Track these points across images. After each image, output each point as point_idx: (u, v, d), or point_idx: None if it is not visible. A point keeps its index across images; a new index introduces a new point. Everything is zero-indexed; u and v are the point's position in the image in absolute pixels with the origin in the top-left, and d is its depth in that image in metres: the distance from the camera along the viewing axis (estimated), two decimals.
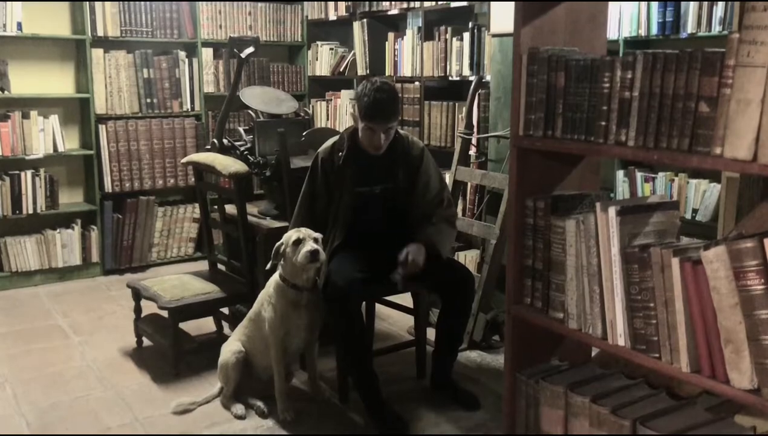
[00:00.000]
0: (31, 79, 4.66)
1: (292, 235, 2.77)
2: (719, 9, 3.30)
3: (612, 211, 1.66)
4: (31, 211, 4.57)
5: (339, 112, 5.48)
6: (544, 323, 1.92)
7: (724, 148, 1.42)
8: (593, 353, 2.21)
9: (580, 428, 1.84)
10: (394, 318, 3.83)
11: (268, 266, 2.85)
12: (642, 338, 1.64)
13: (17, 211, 4.53)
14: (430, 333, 3.22)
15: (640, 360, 1.65)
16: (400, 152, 2.94)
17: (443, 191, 3.01)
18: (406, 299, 3.25)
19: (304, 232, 2.76)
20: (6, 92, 4.46)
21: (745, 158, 1.38)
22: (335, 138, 3.01)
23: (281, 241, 2.80)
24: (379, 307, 3.41)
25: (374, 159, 2.89)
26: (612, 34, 3.66)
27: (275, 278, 2.86)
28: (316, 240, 2.74)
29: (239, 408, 2.89)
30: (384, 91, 2.77)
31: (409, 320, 3.43)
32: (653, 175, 3.62)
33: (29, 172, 4.55)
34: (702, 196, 3.46)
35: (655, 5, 3.49)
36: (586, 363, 2.08)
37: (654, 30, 3.53)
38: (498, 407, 2.81)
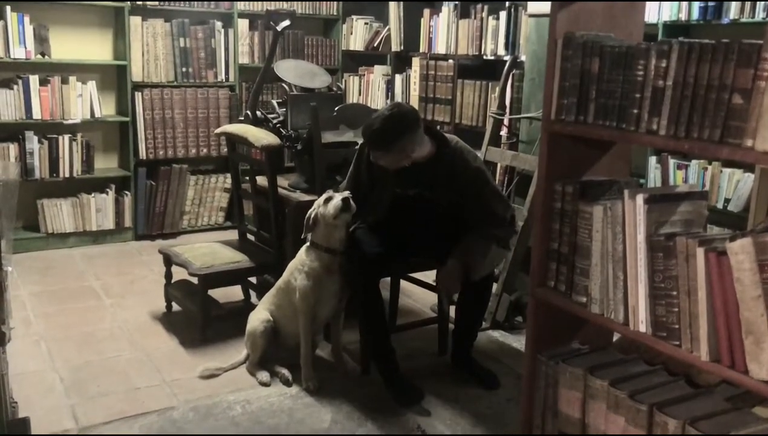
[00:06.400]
0: (70, 45, 4.74)
1: (320, 199, 2.82)
2: None
3: (640, 198, 1.67)
4: (67, 175, 4.68)
5: (372, 88, 5.48)
6: (566, 306, 1.94)
7: (755, 141, 1.42)
8: (614, 338, 2.22)
9: (597, 410, 1.87)
10: (418, 295, 3.87)
11: (303, 235, 2.91)
12: (663, 325, 1.66)
13: (54, 175, 4.64)
14: (453, 310, 3.26)
15: (661, 347, 1.67)
16: (446, 164, 2.80)
17: (489, 207, 2.80)
18: (429, 276, 3.28)
19: (332, 192, 2.82)
20: (46, 57, 4.55)
21: None
22: None
23: (312, 208, 2.85)
24: (403, 283, 3.45)
25: (417, 163, 2.79)
26: (651, 17, 3.61)
27: (306, 246, 2.92)
28: (343, 196, 2.79)
29: (264, 375, 2.96)
30: (380, 120, 2.67)
31: (432, 297, 3.47)
32: (686, 163, 3.58)
33: (67, 137, 4.64)
34: (735, 185, 3.41)
35: None
36: (606, 348, 2.11)
37: (695, 15, 3.47)
38: (517, 386, 2.84)
